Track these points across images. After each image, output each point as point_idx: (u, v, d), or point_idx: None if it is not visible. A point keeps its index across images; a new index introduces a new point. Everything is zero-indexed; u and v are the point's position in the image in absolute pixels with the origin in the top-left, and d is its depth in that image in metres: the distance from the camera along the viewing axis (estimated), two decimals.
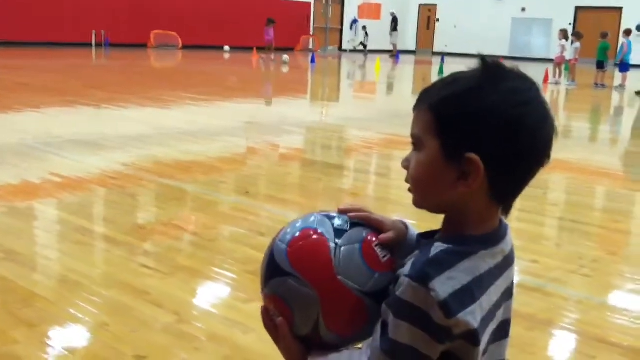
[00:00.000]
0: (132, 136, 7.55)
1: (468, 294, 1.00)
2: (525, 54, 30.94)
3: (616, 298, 3.56)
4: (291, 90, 14.97)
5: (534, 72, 15.16)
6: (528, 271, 3.75)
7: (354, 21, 32.19)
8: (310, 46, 30.12)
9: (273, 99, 12.87)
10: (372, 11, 31.54)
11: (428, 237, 1.13)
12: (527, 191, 0.97)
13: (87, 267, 3.55)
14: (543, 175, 5.59)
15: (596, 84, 16.99)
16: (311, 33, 31.42)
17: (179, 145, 7.09)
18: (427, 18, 35.31)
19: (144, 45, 25.23)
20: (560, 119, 12.74)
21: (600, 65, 17.30)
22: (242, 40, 27.36)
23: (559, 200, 5.69)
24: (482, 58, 1.07)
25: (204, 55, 23.53)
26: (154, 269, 3.55)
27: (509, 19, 32.00)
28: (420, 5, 35.32)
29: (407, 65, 25.63)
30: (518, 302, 3.27)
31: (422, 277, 0.99)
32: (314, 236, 1.13)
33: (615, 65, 16.79)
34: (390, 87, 17.01)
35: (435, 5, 34.67)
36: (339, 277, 1.10)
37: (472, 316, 0.99)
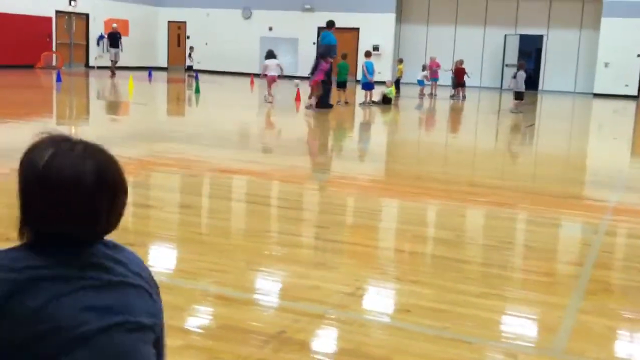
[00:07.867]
0: None
1: None
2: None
3: None
4: (36, 113, 13.79)
5: (289, 90, 15.25)
6: None
7: (101, 37, 30.84)
8: (54, 63, 28.23)
9: (7, 121, 11.73)
10: (119, 27, 30.50)
11: None
12: None
13: None
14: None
15: (338, 102, 17.91)
16: (54, 49, 29.47)
17: None
18: (177, 35, 35.06)
19: None
20: (315, 136, 13.30)
21: (341, 85, 18.40)
22: None
23: None
24: None
25: None
26: None
27: (257, 37, 32.89)
28: (169, 22, 34.96)
29: (160, 83, 25.12)
30: None
31: None
32: None
33: (357, 82, 17.91)
34: (146, 106, 16.47)
35: (185, 22, 34.55)
36: None
37: None
